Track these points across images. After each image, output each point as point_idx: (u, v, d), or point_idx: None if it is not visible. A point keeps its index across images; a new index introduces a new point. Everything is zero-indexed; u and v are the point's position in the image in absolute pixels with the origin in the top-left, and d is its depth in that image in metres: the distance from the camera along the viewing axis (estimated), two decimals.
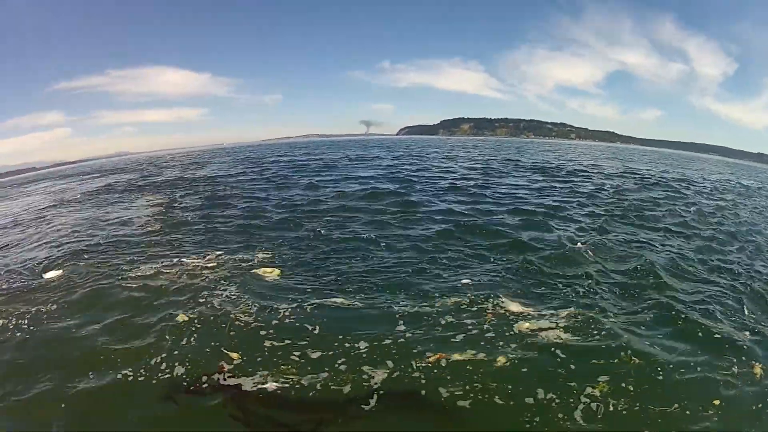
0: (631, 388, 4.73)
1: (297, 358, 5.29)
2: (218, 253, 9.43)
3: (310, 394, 4.70)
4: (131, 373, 5.10)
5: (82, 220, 15.27)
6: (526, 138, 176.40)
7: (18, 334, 6.28)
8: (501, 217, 13.05)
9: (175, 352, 5.50)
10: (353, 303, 6.71)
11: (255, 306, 6.64)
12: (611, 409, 4.44)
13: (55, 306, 7.11)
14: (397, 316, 6.27)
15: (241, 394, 4.72)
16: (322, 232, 11.14)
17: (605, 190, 19.76)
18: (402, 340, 5.62)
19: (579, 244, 9.68)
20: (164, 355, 5.45)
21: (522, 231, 11.22)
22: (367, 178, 22.37)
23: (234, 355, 5.34)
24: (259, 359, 5.30)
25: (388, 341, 5.57)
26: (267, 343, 5.59)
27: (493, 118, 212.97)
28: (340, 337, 5.69)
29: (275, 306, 6.63)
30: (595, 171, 29.22)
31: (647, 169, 34.32)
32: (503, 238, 10.42)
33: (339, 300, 6.83)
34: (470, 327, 5.92)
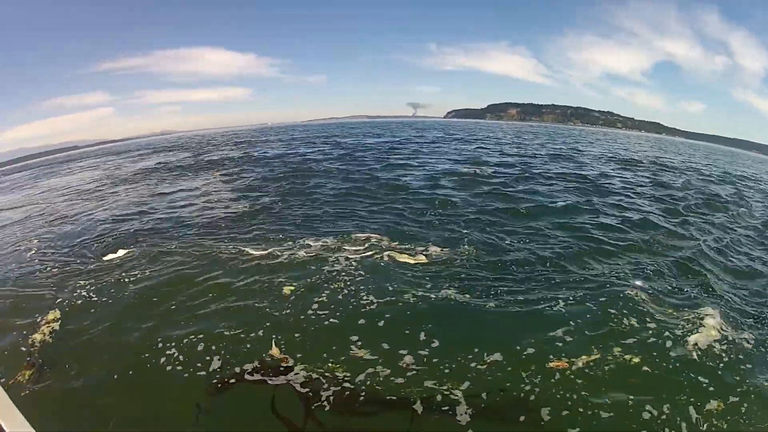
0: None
1: (379, 357, 4.84)
2: (321, 238, 8.67)
3: (376, 398, 4.24)
4: (174, 361, 4.86)
5: (146, 198, 14.84)
6: (573, 125, 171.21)
7: (74, 317, 6.03)
8: (645, 214, 11.76)
9: (227, 341, 5.19)
10: (494, 304, 5.98)
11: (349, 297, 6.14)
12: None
13: (119, 285, 6.88)
14: (540, 320, 5.64)
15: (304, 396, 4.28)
16: (447, 215, 10.50)
17: (712, 192, 17.45)
18: (532, 346, 5.03)
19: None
20: (213, 343, 5.14)
21: (681, 233, 10.22)
22: (459, 161, 20.98)
23: (274, 351, 4.93)
24: (338, 356, 4.86)
25: (514, 347, 4.99)
26: (354, 340, 5.11)
27: (540, 103, 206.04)
28: (457, 337, 5.21)
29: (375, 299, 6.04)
30: (684, 167, 27.04)
31: (714, 167, 31.14)
32: (665, 243, 9.24)
33: (475, 300, 6.08)
34: (622, 333, 5.36)
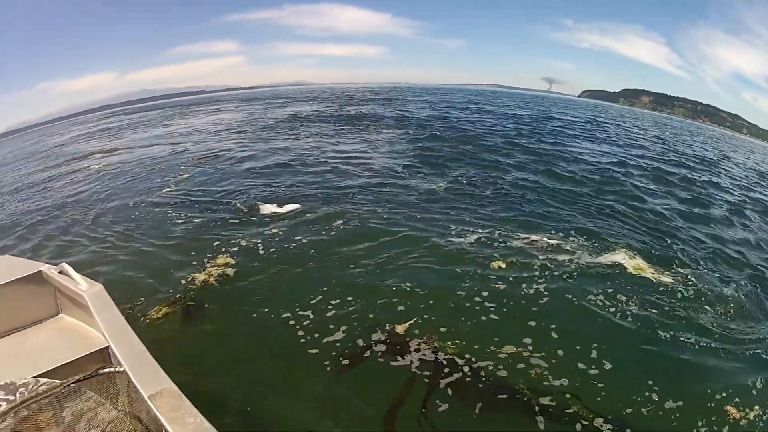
0: None
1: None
2: (520, 232, 7.48)
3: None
4: (311, 331, 4.60)
5: (300, 150, 14.01)
6: (702, 123, 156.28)
7: (240, 266, 6.00)
8: None
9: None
10: (695, 340, 4.89)
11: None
12: None
13: (284, 240, 6.74)
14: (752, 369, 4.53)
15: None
16: (662, 222, 9.04)
17: None
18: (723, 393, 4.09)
19: None
20: (346, 314, 4.91)
21: None
22: (647, 156, 18.35)
23: (399, 329, 4.66)
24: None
25: (698, 392, 4.10)
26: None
27: (672, 95, 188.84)
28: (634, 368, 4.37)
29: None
30: None
31: None
32: None
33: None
34: None
